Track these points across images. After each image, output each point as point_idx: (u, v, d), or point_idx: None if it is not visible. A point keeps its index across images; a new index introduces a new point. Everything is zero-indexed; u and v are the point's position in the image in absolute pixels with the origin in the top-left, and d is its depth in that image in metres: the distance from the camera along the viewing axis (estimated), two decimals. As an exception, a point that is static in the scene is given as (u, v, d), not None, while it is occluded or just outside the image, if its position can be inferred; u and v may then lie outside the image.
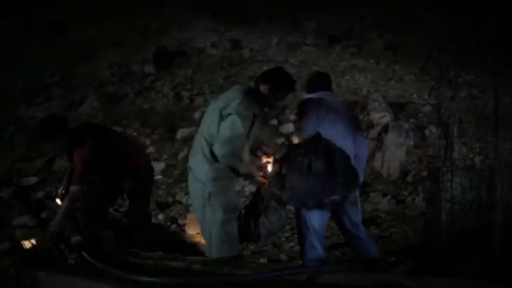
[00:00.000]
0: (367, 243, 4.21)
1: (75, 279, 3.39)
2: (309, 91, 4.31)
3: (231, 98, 3.90)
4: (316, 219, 4.01)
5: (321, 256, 4.06)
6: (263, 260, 5.19)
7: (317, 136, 3.84)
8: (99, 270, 3.41)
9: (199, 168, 3.96)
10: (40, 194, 7.19)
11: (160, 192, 7.14)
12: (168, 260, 3.71)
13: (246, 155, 4.08)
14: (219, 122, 3.83)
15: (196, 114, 8.73)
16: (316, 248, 4.03)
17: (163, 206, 6.71)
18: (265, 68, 10.34)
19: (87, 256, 3.63)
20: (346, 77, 9.58)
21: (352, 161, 3.93)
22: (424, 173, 6.59)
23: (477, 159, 5.21)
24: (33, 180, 7.98)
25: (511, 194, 4.69)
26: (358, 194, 4.32)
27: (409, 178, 6.82)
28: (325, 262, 4.11)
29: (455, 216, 4.54)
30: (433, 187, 4.86)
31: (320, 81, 4.38)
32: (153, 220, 6.12)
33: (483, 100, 4.94)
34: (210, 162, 3.89)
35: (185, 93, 9.77)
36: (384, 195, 6.45)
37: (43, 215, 6.24)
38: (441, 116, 4.81)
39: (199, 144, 3.97)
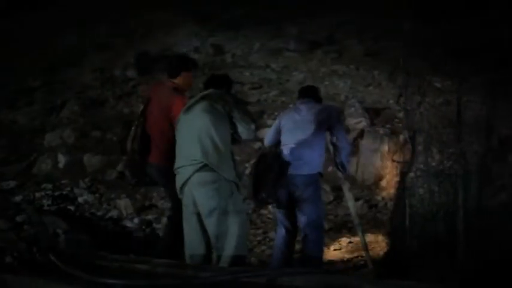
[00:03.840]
0: (310, 243, 4.54)
1: (42, 282, 3.42)
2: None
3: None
4: (278, 211, 4.68)
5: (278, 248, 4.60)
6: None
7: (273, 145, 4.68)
8: (65, 272, 3.45)
9: (225, 166, 3.87)
10: (18, 198, 7.20)
11: (138, 196, 7.19)
12: (134, 262, 3.73)
13: None
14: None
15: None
16: (280, 232, 4.61)
17: (139, 210, 6.75)
18: (247, 73, 10.46)
19: (54, 259, 3.67)
20: (326, 83, 9.66)
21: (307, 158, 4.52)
22: (397, 178, 6.67)
23: (446, 164, 5.30)
24: (12, 183, 8.00)
25: (476, 198, 4.80)
26: (317, 193, 4.63)
27: (383, 183, 6.91)
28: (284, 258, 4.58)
29: (421, 221, 4.63)
30: (401, 192, 4.95)
31: (301, 91, 5.07)
32: (129, 224, 6.17)
33: (452, 106, 5.02)
34: (230, 157, 3.96)
35: (166, 98, 9.78)
36: (357, 199, 6.53)
37: (18, 219, 6.23)
38: (408, 121, 4.91)
39: (210, 144, 3.85)
